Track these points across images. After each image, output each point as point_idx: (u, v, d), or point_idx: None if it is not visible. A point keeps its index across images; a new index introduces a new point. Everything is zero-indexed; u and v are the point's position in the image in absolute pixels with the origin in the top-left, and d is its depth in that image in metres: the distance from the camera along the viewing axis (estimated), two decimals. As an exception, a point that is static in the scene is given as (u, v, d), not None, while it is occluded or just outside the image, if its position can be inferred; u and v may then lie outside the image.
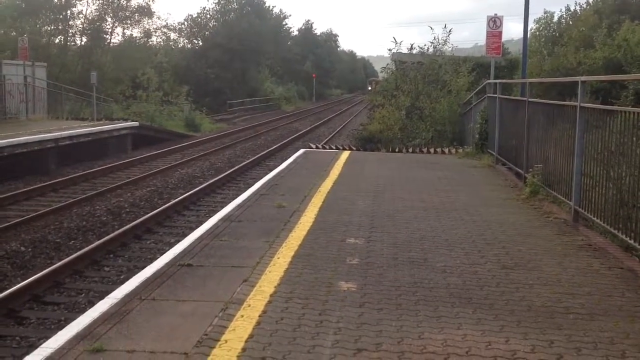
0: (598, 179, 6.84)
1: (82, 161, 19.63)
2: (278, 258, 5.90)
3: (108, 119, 25.96)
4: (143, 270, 5.66)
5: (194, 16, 58.24)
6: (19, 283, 7.96)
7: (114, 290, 5.28)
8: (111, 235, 10.29)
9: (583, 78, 7.59)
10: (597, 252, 6.22)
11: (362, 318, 4.45)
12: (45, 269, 8.53)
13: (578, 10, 34.20)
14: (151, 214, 11.85)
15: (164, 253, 6.49)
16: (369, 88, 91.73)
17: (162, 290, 5.05)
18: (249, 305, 4.68)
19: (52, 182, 15.53)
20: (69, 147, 19.14)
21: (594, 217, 6.86)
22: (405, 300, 4.82)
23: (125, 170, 18.44)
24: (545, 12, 33.55)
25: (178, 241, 7.72)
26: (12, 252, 9.62)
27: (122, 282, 6.91)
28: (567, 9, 34.85)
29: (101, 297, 5.66)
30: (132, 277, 5.67)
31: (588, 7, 33.62)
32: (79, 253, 9.19)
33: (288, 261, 5.80)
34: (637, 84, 16.76)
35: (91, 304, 7.05)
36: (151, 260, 7.53)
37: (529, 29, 18.44)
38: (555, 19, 33.79)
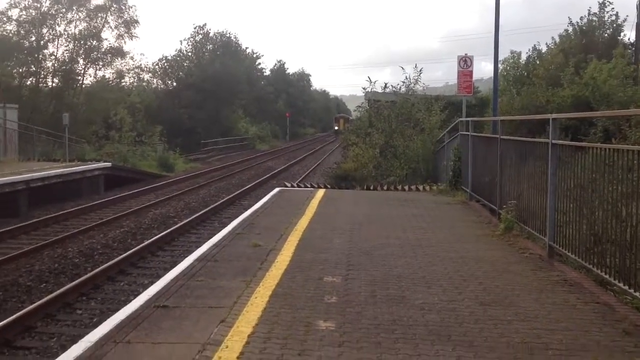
0: (571, 214, 6.92)
1: (54, 203, 19.37)
2: (255, 298, 5.83)
3: (80, 160, 25.75)
4: (117, 313, 5.56)
5: (169, 57, 58.54)
6: (-12, 328, 7.76)
7: (86, 333, 5.16)
8: (83, 277, 10.12)
9: (554, 115, 7.73)
10: (573, 287, 6.26)
11: (342, 358, 4.40)
12: (16, 312, 8.34)
13: (543, 50, 34.97)
14: (124, 255, 11.70)
15: (138, 295, 6.39)
16: (336, 128, 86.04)
17: (138, 333, 4.95)
18: (227, 347, 4.61)
19: (23, 224, 15.27)
20: (40, 189, 18.89)
21: (568, 252, 6.92)
22: (385, 338, 4.79)
23: (98, 211, 18.23)
24: (512, 52, 34.28)
25: (152, 282, 7.63)
26: (-19, 297, 9.40)
27: (95, 325, 6.80)
28: (534, 48, 35.61)
29: (74, 341, 5.56)
30: (105, 319, 5.56)
31: (554, 46, 34.37)
32: (50, 296, 9.01)
33: (265, 301, 5.74)
34: (606, 121, 17.10)
35: (64, 348, 6.91)
36: (125, 303, 7.42)
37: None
38: (523, 58, 34.52)
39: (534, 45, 35.11)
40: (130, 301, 6.29)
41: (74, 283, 9.72)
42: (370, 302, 5.73)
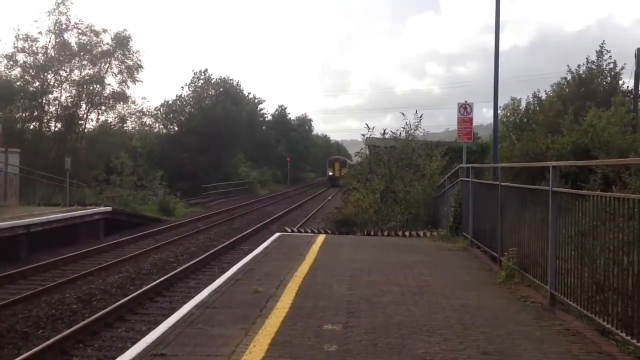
0: (573, 262, 6.88)
1: (54, 247, 19.29)
2: (254, 346, 5.77)
3: (81, 204, 25.75)
4: (114, 361, 5.48)
5: (170, 102, 59.06)
6: (-17, 375, 7.66)
7: (83, 382, 5.09)
8: (81, 324, 10.02)
9: (554, 163, 7.77)
10: (575, 337, 6.19)
11: (341, 409, 4.33)
12: (11, 360, 8.25)
13: (543, 97, 35.28)
14: (123, 301, 11.61)
15: (136, 342, 6.32)
16: (330, 173, 79.91)
17: (134, 382, 4.88)
18: (225, 397, 4.54)
19: (22, 269, 15.20)
20: (40, 234, 18.84)
21: (570, 300, 6.86)
22: (385, 389, 4.72)
23: (97, 256, 18.16)
24: (512, 99, 34.58)
25: (150, 329, 7.55)
26: (-23, 343, 9.29)
27: (92, 373, 6.70)
28: (534, 95, 35.95)
29: (70, 390, 5.47)
30: (102, 368, 5.49)
31: (553, 93, 34.69)
32: (47, 343, 8.91)
33: (265, 349, 5.67)
34: (605, 169, 17.15)
35: (59, 397, 6.81)
36: (122, 350, 7.32)
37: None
38: (523, 104, 34.80)
39: (534, 92, 35.43)
40: (127, 349, 6.22)
41: (71, 330, 9.62)
42: (371, 351, 5.66)
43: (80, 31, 37.94)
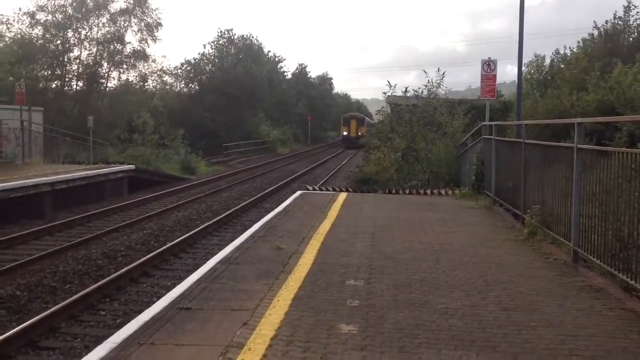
0: (596, 220, 6.84)
1: (78, 205, 19.55)
2: (278, 300, 5.84)
3: (104, 163, 26.01)
4: (141, 314, 5.59)
5: (193, 61, 58.95)
6: (14, 328, 7.85)
7: (110, 334, 5.20)
8: (107, 278, 10.20)
9: (579, 120, 7.65)
10: (598, 293, 6.18)
11: (365, 361, 4.39)
12: (40, 313, 8.43)
13: (568, 53, 34.67)
14: (147, 257, 11.77)
15: (161, 296, 6.43)
16: (344, 133, 69.22)
17: (161, 335, 4.98)
18: (250, 349, 4.62)
19: (47, 225, 15.44)
20: (65, 191, 19.09)
21: (593, 257, 6.84)
22: (408, 342, 4.76)
23: (121, 214, 18.38)
24: (535, 56, 34.02)
25: (175, 284, 7.68)
26: (7, 297, 9.51)
27: (119, 326, 6.85)
28: (557, 52, 35.33)
29: (97, 342, 5.61)
30: (129, 321, 5.60)
31: (579, 49, 34.10)
32: (74, 297, 9.09)
33: (288, 304, 5.74)
34: (631, 126, 16.91)
35: (87, 349, 6.98)
36: (148, 304, 7.46)
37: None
38: (547, 61, 34.25)
39: (556, 49, 34.81)
40: (153, 303, 6.34)
41: (97, 284, 9.80)
42: (393, 306, 5.71)
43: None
